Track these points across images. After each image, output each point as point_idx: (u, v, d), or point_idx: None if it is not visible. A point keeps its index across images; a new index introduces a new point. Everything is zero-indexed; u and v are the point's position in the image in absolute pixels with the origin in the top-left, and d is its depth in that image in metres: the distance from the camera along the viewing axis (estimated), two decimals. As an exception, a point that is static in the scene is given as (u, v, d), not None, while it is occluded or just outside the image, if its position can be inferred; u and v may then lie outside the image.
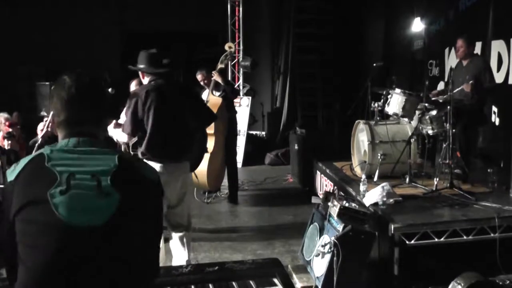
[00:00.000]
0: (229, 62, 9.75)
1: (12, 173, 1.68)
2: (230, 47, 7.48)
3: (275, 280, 2.33)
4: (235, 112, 7.18)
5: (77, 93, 1.76)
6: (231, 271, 2.38)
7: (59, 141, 1.78)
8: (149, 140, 4.09)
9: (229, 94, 6.74)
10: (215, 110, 5.39)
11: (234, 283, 2.29)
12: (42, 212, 1.59)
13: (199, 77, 6.88)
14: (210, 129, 5.84)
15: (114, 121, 4.41)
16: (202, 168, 6.44)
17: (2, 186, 1.75)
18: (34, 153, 1.77)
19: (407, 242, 4.16)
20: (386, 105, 5.82)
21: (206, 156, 6.37)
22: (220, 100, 6.61)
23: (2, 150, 5.89)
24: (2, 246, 1.69)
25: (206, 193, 7.02)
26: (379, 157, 5.54)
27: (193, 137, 4.42)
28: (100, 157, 1.71)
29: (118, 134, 4.30)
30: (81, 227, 1.59)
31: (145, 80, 4.31)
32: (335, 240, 3.89)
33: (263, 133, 11.01)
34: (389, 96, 5.80)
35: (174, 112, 4.19)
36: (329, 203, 4.45)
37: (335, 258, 3.84)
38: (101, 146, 1.75)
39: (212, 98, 6.55)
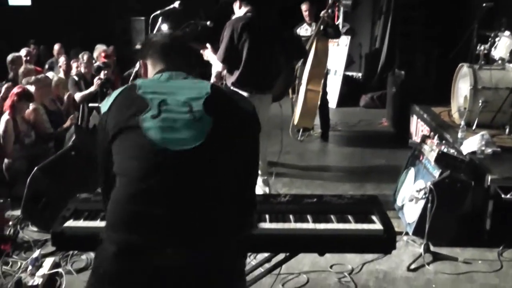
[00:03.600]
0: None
1: (105, 105, 1.75)
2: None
3: (374, 218, 2.37)
4: None
5: (171, 43, 1.84)
6: (330, 204, 2.46)
7: None
8: (241, 71, 4.25)
9: (331, 35, 6.66)
10: (324, 50, 5.40)
11: (332, 216, 2.37)
12: (134, 137, 1.63)
13: (303, 7, 6.84)
14: (315, 68, 5.91)
15: (210, 47, 4.55)
16: (298, 106, 6.53)
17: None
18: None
19: (502, 195, 4.04)
20: (493, 49, 5.54)
21: (302, 94, 6.43)
22: (328, 40, 6.56)
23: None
24: (100, 174, 1.80)
25: (300, 131, 7.12)
26: (479, 104, 5.35)
27: (281, 71, 4.52)
28: (192, 86, 1.74)
29: (213, 60, 4.46)
30: (172, 151, 1.59)
31: (241, 11, 4.40)
32: (431, 186, 3.88)
33: (360, 74, 10.79)
34: (496, 39, 5.52)
35: (267, 45, 4.30)
36: (427, 147, 4.41)
37: (429, 205, 3.84)
38: (194, 78, 1.78)
39: (321, 39, 6.49)
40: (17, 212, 4.36)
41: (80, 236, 2.21)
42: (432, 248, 3.91)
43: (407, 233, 4.18)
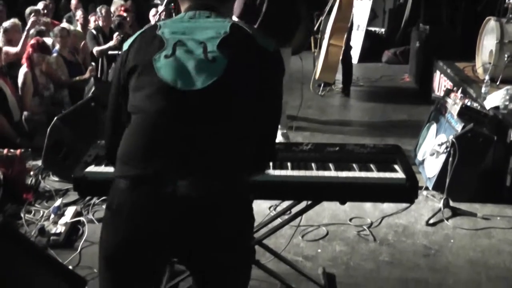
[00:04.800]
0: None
1: (126, 44, 1.73)
2: None
3: (396, 167, 2.34)
4: None
5: None
6: (352, 153, 2.43)
7: None
8: (260, 25, 4.17)
9: None
10: (349, 4, 5.28)
11: (354, 165, 2.34)
12: (148, 76, 1.62)
13: None
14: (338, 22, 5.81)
15: None
16: (320, 60, 6.44)
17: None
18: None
19: (524, 152, 3.97)
20: (522, 1, 5.35)
21: (324, 49, 6.33)
22: None
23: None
24: (114, 113, 1.77)
25: (321, 85, 7.05)
26: (505, 59, 5.21)
27: (301, 23, 4.43)
28: (212, 25, 1.68)
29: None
30: (183, 90, 1.59)
31: None
32: (453, 140, 3.82)
33: (383, 30, 10.58)
34: (527, -8, 5.32)
35: None
36: (450, 101, 4.33)
37: (450, 159, 3.79)
38: (218, 17, 1.72)
39: None
40: (38, 162, 4.41)
41: (101, 182, 2.22)
42: (451, 203, 3.89)
43: (427, 188, 4.16)
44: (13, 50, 5.53)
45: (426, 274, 3.13)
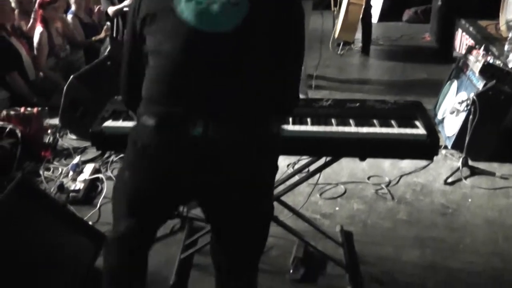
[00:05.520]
0: None
1: None
2: None
3: (417, 123, 2.30)
4: None
5: None
6: (373, 109, 2.39)
7: None
8: None
9: None
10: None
11: (375, 121, 2.30)
12: (168, 18, 1.61)
13: None
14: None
15: None
16: (339, 19, 6.33)
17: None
18: None
19: (546, 111, 3.88)
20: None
21: (344, 7, 6.22)
22: None
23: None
24: (129, 57, 1.77)
25: (340, 44, 6.94)
26: (530, 16, 5.06)
27: None
28: None
29: None
30: (207, 32, 1.59)
31: None
32: (474, 97, 3.75)
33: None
34: None
35: None
36: (472, 58, 4.23)
37: (470, 117, 3.73)
38: None
39: None
40: (55, 121, 4.43)
41: (119, 136, 2.20)
42: (470, 162, 3.84)
43: (445, 147, 4.11)
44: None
45: (443, 233, 3.11)
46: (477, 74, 4.00)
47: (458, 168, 3.78)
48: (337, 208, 3.37)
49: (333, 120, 2.30)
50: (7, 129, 3.77)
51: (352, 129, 2.23)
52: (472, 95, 3.81)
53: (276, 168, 1.76)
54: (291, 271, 2.70)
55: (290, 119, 2.28)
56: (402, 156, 2.73)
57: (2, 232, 2.19)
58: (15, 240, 2.22)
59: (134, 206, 1.70)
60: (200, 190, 1.67)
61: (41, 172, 3.75)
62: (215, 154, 1.57)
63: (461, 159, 3.81)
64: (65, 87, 4.20)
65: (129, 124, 2.23)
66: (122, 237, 1.74)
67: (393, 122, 2.30)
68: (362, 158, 2.38)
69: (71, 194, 3.42)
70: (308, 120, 2.30)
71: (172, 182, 1.62)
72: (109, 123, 2.27)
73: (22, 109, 4.02)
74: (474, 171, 3.81)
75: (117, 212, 1.77)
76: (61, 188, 3.47)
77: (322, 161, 2.52)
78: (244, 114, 1.60)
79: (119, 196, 1.75)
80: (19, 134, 3.77)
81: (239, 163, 1.60)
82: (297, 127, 2.23)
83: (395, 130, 2.25)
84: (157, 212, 1.74)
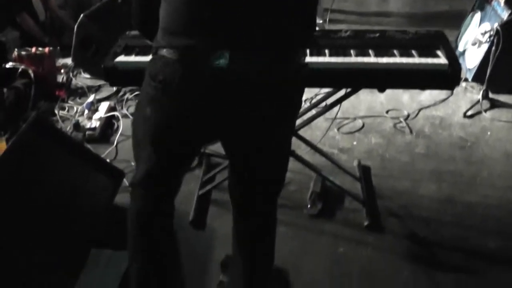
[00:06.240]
0: None
1: None
2: None
3: (438, 52, 2.22)
4: None
5: None
6: (393, 39, 2.30)
7: None
8: None
9: None
10: None
11: (395, 51, 2.23)
12: None
13: None
14: None
15: None
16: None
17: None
18: None
19: None
20: None
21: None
22: None
23: None
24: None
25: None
26: None
27: None
28: None
29: None
30: None
31: None
32: (498, 28, 3.61)
33: None
34: None
35: None
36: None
37: (493, 48, 3.61)
38: None
39: None
40: (68, 61, 4.38)
41: (132, 71, 2.18)
42: (490, 95, 3.77)
43: (466, 80, 4.01)
44: None
45: (461, 166, 3.09)
46: (502, 3, 3.85)
47: (478, 101, 3.72)
48: (354, 143, 3.34)
49: (352, 51, 2.23)
50: (20, 70, 3.73)
51: (371, 59, 2.16)
52: (496, 25, 3.67)
53: (300, 101, 1.71)
54: (308, 206, 2.71)
55: (308, 51, 2.21)
56: (423, 87, 2.67)
57: (19, 171, 2.19)
58: (33, 179, 2.22)
59: (158, 143, 1.64)
60: (225, 125, 1.61)
61: (56, 111, 3.74)
62: (241, 87, 1.50)
63: (481, 92, 3.74)
64: (75, 26, 4.12)
65: (142, 58, 2.20)
66: (147, 178, 1.70)
67: (413, 52, 2.22)
68: (381, 90, 2.32)
69: (87, 132, 3.42)
70: (326, 51, 2.23)
71: (197, 117, 1.55)
72: (121, 58, 2.23)
73: (34, 49, 3.97)
74: (494, 104, 3.75)
75: (140, 153, 1.71)
76: (77, 126, 3.46)
77: (339, 94, 2.47)
78: (272, 44, 1.51)
79: (140, 135, 1.68)
80: (32, 74, 3.73)
81: (265, 97, 1.53)
82: (315, 59, 2.17)
83: (416, 60, 2.17)
84: (182, 150, 1.69)
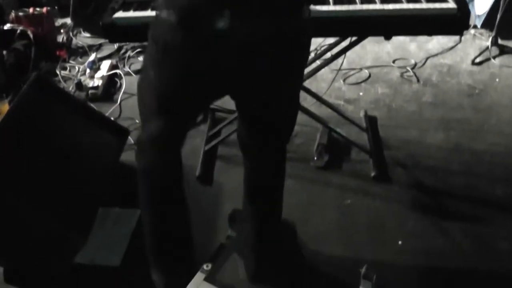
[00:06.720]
0: None
1: None
2: None
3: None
4: None
5: None
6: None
7: None
8: None
9: None
10: None
11: None
12: None
13: None
14: None
15: None
16: None
17: None
18: None
19: None
20: None
21: None
22: None
23: None
24: None
25: None
26: None
27: None
28: None
29: None
30: None
31: None
32: (508, -29, 3.50)
33: None
34: None
35: None
36: None
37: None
38: None
39: None
40: (67, 20, 4.32)
41: (131, 27, 2.13)
42: (499, 41, 3.69)
43: (475, 26, 3.92)
44: None
45: (469, 114, 3.05)
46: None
47: (487, 48, 3.65)
48: (361, 93, 3.30)
49: (356, -2, 2.16)
50: (18, 31, 3.68)
51: (377, 6, 2.09)
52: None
53: (307, 56, 1.68)
54: (315, 158, 2.69)
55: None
56: (430, 33, 2.60)
57: (23, 131, 2.17)
58: (37, 139, 2.21)
59: (163, 105, 1.63)
60: (231, 84, 1.59)
61: (57, 72, 3.70)
62: (244, 47, 1.44)
63: (490, 38, 3.67)
64: (73, -16, 4.04)
65: (141, 13, 2.15)
66: (154, 137, 1.70)
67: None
68: (388, 37, 2.25)
69: (90, 91, 3.39)
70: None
71: (200, 78, 1.53)
72: (120, 14, 2.17)
73: (31, 10, 3.90)
74: (503, 50, 3.68)
75: (146, 113, 1.71)
76: (80, 85, 3.43)
77: (344, 44, 2.41)
78: (274, 2, 1.45)
79: (146, 97, 1.67)
80: (31, 35, 3.68)
81: (270, 56, 1.49)
82: (319, 7, 2.10)
83: (423, 5, 2.10)
84: (187, 109, 1.68)
